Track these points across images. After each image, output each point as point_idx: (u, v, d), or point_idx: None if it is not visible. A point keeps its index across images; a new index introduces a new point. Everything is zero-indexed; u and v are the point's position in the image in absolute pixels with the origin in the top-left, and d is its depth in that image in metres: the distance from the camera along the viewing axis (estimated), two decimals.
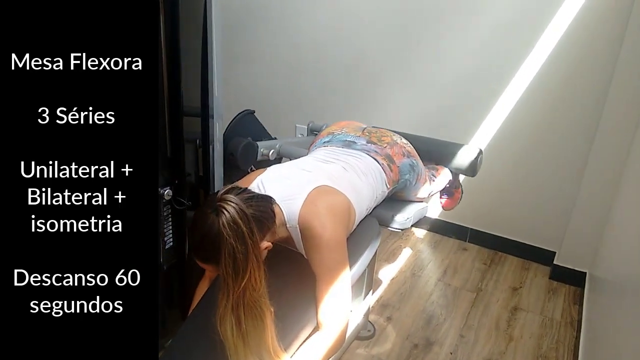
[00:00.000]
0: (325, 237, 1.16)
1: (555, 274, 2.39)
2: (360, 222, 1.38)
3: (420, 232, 2.76)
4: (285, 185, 1.25)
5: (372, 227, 1.41)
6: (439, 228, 2.74)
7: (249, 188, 1.26)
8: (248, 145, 1.82)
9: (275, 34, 2.84)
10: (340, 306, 1.19)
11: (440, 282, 2.33)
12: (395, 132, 1.68)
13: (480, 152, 1.90)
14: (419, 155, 1.67)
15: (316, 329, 1.21)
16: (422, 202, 1.75)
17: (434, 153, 1.91)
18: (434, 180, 1.84)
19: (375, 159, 1.47)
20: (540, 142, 2.34)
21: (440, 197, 2.17)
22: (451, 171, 1.95)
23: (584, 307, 2.15)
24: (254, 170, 1.43)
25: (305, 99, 2.86)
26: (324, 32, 2.69)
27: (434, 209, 2.71)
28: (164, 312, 1.72)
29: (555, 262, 2.40)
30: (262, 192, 1.23)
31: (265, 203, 1.12)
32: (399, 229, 1.50)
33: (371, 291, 1.89)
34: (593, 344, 1.78)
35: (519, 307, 2.18)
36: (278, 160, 2.18)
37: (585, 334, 1.95)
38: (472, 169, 1.90)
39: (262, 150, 1.92)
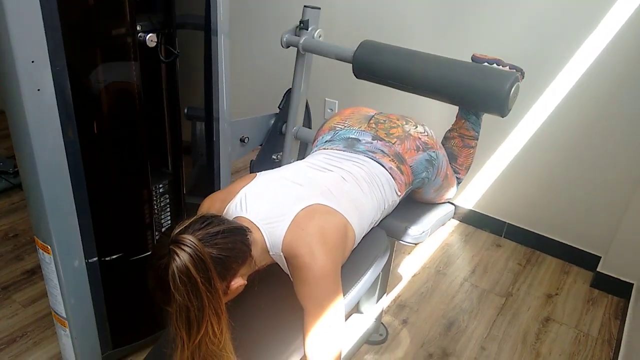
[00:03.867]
0: (315, 269, 1.00)
1: (598, 281, 2.15)
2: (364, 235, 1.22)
3: (451, 223, 2.56)
4: (271, 203, 1.09)
5: (379, 242, 1.23)
6: (473, 220, 2.52)
7: (229, 205, 1.11)
8: None
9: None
10: (331, 341, 1.04)
11: (467, 283, 2.14)
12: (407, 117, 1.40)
13: (516, 78, 1.38)
14: (427, 83, 1.38)
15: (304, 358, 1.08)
16: (445, 204, 1.56)
17: (447, 79, 1.45)
18: (459, 179, 1.61)
19: (381, 163, 1.28)
20: (597, 132, 2.06)
21: None
22: (476, 111, 1.54)
23: (626, 323, 1.93)
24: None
25: (335, 70, 2.64)
26: (355, 3, 2.45)
27: (469, 200, 2.49)
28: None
29: (599, 269, 2.16)
30: (243, 211, 1.08)
31: (235, 237, 0.96)
32: (412, 244, 1.33)
33: (385, 293, 1.74)
34: None
35: (552, 318, 1.98)
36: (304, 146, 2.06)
37: (625, 355, 1.74)
38: (500, 107, 1.37)
39: (291, 162, 1.81)
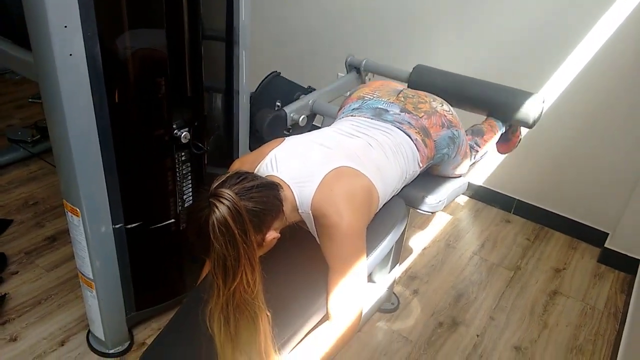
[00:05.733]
0: (342, 227, 1.05)
1: (605, 257, 2.20)
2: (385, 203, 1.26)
3: (461, 199, 2.59)
4: (300, 164, 1.13)
5: (398, 209, 1.28)
6: (483, 196, 2.56)
7: (259, 165, 1.15)
8: (274, 119, 1.72)
9: None
10: (353, 299, 1.09)
11: (476, 256, 2.19)
12: (436, 96, 1.48)
13: (543, 101, 1.68)
14: (469, 101, 1.58)
15: (325, 317, 1.13)
16: (459, 177, 1.59)
17: (485, 99, 1.73)
18: (477, 151, 1.66)
19: (407, 134, 1.31)
20: (607, 110, 2.08)
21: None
22: (505, 122, 1.77)
23: (632, 297, 1.98)
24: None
25: (351, 42, 2.65)
26: None
27: (479, 176, 2.52)
28: (182, 268, 1.70)
29: (606, 245, 2.20)
30: (274, 170, 1.12)
31: (269, 192, 1.00)
32: (428, 212, 1.37)
33: (398, 263, 1.79)
34: (637, 339, 1.63)
35: (559, 291, 2.02)
36: (312, 117, 2.06)
37: (630, 327, 1.79)
38: (529, 121, 1.67)
39: (291, 115, 1.80)
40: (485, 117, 1.80)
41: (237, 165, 1.20)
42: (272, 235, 1.01)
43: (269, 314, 1.00)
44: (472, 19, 2.25)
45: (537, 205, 2.42)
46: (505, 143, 1.91)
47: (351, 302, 1.09)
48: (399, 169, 1.26)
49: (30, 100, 2.54)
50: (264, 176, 1.10)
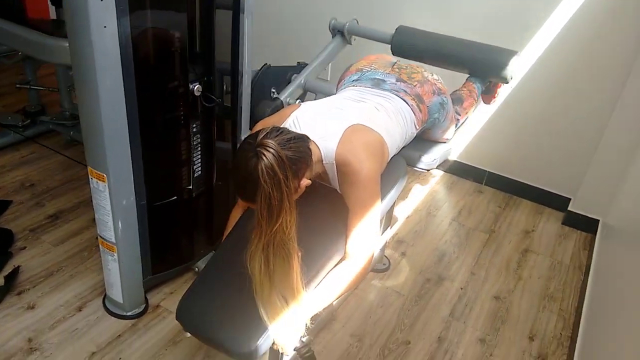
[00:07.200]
0: (363, 174, 1.21)
1: (569, 219, 2.44)
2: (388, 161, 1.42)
3: (437, 173, 2.79)
4: (321, 123, 1.28)
5: (400, 166, 1.44)
6: (456, 170, 2.77)
7: (285, 126, 1.29)
8: (274, 110, 1.85)
9: None
10: (369, 238, 1.25)
11: (455, 222, 2.39)
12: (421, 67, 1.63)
13: (518, 56, 1.76)
14: (450, 59, 1.69)
15: (343, 258, 1.28)
16: (446, 143, 1.77)
17: (464, 57, 1.83)
18: (458, 120, 1.84)
19: (404, 100, 1.48)
20: (568, 87, 2.31)
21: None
22: (484, 78, 1.88)
23: (594, 252, 2.22)
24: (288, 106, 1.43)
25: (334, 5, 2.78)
26: None
27: (453, 152, 2.72)
28: (192, 235, 1.81)
29: (569, 209, 2.44)
30: (297, 129, 1.26)
31: (303, 143, 1.15)
32: (425, 169, 1.54)
33: (389, 227, 1.96)
34: (600, 287, 1.85)
35: (530, 250, 2.25)
36: (304, 94, 2.20)
37: (593, 277, 2.02)
38: (506, 76, 1.76)
39: (287, 100, 1.95)
40: (465, 79, 1.93)
41: (260, 126, 1.33)
42: (304, 182, 1.15)
43: (299, 253, 1.13)
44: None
45: (506, 176, 2.64)
46: (488, 95, 2.08)
47: (366, 242, 1.25)
48: (400, 129, 1.42)
49: (17, 86, 2.56)
50: None
